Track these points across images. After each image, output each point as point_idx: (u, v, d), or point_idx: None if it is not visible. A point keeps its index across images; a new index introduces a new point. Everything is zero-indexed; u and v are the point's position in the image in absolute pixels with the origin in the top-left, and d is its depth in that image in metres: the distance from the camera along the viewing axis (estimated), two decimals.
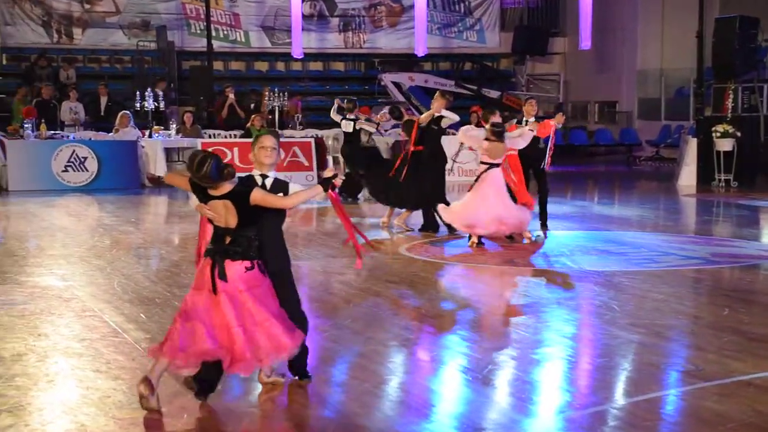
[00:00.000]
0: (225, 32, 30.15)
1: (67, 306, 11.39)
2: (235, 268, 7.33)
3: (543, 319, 11.10)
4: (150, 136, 24.69)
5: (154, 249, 16.11)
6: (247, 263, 7.38)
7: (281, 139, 24.23)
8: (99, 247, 15.66)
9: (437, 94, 16.83)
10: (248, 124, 25.09)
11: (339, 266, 14.52)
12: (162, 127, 25.28)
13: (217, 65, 29.37)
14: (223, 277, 7.29)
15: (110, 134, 24.34)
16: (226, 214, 7.23)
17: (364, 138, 22.22)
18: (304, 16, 29.18)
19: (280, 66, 30.91)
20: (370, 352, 9.53)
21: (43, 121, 23.87)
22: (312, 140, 25.07)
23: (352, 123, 21.86)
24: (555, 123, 17.18)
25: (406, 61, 30.85)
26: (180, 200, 22.17)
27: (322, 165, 24.94)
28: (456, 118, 17.06)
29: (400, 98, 29.32)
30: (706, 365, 8.83)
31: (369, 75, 31.44)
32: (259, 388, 8.54)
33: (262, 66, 31.17)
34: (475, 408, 7.73)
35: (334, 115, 22.66)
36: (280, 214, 7.68)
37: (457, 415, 7.50)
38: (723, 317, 11.00)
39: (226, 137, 25.45)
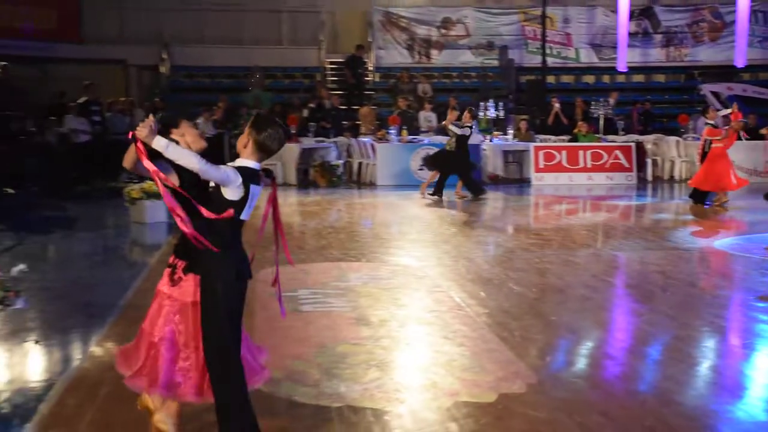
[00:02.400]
0: (558, 50, 30.18)
1: (421, 282, 11.92)
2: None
3: None
4: (491, 140, 24.98)
5: (491, 237, 16.40)
6: (171, 260, 6.14)
7: (604, 143, 24.27)
8: (446, 234, 16.24)
9: None
10: (575, 130, 25.03)
11: (655, 258, 14.03)
12: (501, 133, 25.54)
13: (550, 78, 29.36)
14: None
15: None
16: None
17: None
18: (629, 34, 28.95)
19: (606, 79, 30.59)
20: (685, 336, 9.33)
21: (404, 127, 24.59)
22: (633, 144, 24.55)
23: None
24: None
25: (725, 72, 29.82)
26: (515, 195, 22.54)
27: (641, 167, 24.61)
28: None
29: (718, 106, 28.35)
30: None
31: (688, 85, 30.61)
32: (583, 362, 8.77)
33: (589, 79, 30.94)
34: None
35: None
36: (213, 203, 5.70)
37: None
38: None
39: (554, 141, 25.36)
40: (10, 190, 19.08)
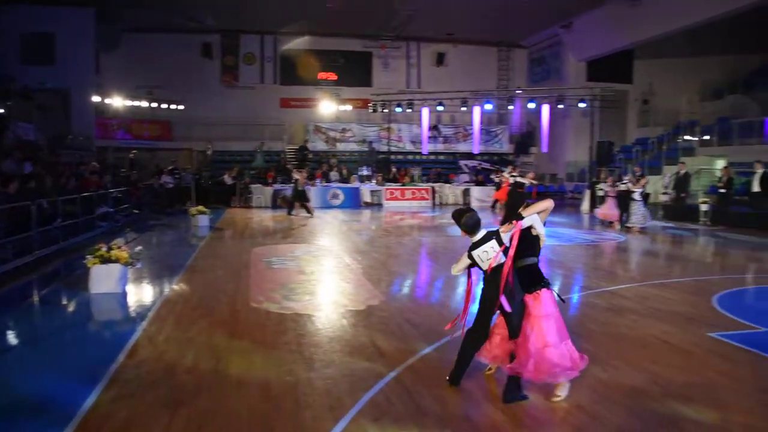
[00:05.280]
0: (395, 143, 30.14)
1: (330, 252, 12.13)
2: None
3: None
4: (365, 185, 24.88)
5: (364, 231, 15.88)
6: None
7: (417, 186, 23.68)
8: (342, 231, 15.55)
9: None
10: (404, 180, 25.59)
11: (440, 240, 14.04)
12: (369, 181, 25.64)
13: (393, 157, 29.31)
14: None
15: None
16: None
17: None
18: (429, 137, 28.84)
19: (417, 157, 30.11)
20: (451, 275, 9.34)
21: (323, 179, 24.36)
22: (430, 187, 24.92)
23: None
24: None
25: (469, 155, 29.83)
26: (376, 212, 22.12)
27: (433, 198, 25.07)
28: None
29: (467, 172, 29.42)
30: None
31: (453, 161, 30.51)
32: (405, 289, 8.80)
33: (411, 156, 30.57)
34: None
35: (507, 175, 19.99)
36: None
37: None
38: None
39: (395, 185, 25.41)
40: (136, 210, 19.40)
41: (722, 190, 18.64)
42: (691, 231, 16.77)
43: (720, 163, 22.67)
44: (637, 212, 16.53)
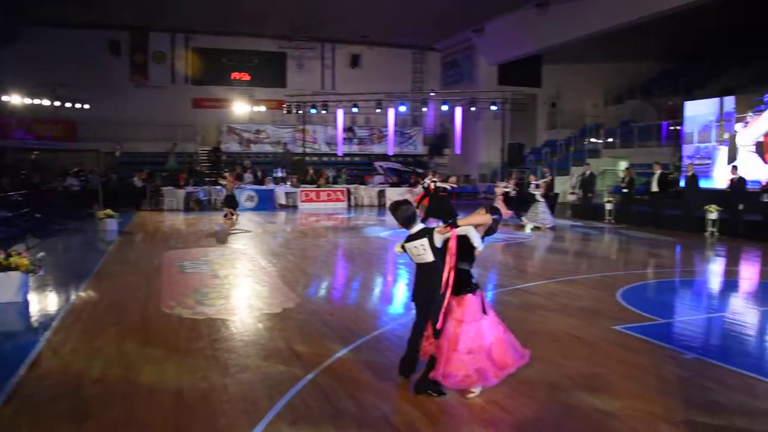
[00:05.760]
0: (310, 145, 30.09)
1: (244, 255, 12.02)
2: None
3: None
4: (280, 187, 24.60)
5: (279, 233, 15.83)
6: None
7: (333, 188, 23.86)
8: (257, 233, 15.43)
9: None
10: (319, 181, 25.50)
11: (355, 241, 14.27)
12: (284, 183, 25.41)
13: (307, 159, 29.28)
14: None
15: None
16: None
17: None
18: (343, 138, 28.97)
19: (333, 158, 30.17)
20: (369, 277, 9.96)
21: (239, 181, 23.70)
22: (345, 189, 25.02)
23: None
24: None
25: (384, 156, 30.19)
26: (291, 213, 21.93)
27: (349, 199, 25.20)
28: None
29: (382, 173, 29.65)
30: None
31: (368, 162, 30.77)
32: (322, 291, 8.84)
33: (326, 158, 30.64)
34: None
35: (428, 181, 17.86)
36: None
37: None
38: None
39: (311, 187, 25.34)
40: (38, 215, 18.49)
41: (625, 190, 19.65)
42: (597, 229, 17.62)
43: (622, 165, 23.87)
44: (538, 212, 17.25)
